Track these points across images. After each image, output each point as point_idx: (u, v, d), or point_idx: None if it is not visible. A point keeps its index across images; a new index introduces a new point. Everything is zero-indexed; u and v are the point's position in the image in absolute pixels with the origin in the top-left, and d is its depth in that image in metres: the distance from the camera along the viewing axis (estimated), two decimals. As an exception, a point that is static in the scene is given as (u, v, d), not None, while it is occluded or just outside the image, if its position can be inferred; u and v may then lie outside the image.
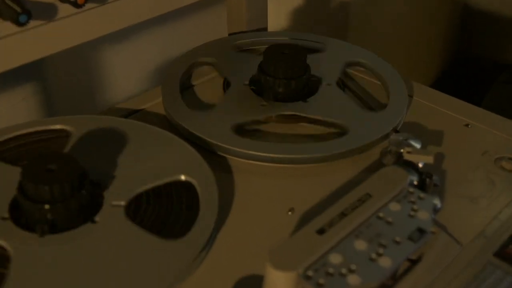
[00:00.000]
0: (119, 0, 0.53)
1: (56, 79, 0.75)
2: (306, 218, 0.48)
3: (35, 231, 0.44)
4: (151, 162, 0.51)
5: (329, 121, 0.57)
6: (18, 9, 0.45)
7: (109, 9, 0.53)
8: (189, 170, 0.50)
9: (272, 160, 0.53)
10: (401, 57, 1.28)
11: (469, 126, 0.59)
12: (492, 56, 1.44)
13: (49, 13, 0.49)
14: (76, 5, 0.48)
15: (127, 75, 0.82)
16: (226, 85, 0.62)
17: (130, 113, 0.60)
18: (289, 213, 0.48)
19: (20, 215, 0.45)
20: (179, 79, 0.61)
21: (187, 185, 0.49)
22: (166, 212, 0.47)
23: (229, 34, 0.76)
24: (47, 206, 0.43)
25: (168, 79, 0.62)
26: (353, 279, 0.39)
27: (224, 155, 0.53)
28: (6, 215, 0.45)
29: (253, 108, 0.58)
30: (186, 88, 0.63)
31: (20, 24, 0.45)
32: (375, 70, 0.65)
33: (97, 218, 0.45)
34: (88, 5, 0.50)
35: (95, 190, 0.47)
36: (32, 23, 0.47)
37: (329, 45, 0.68)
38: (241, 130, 0.56)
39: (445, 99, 0.63)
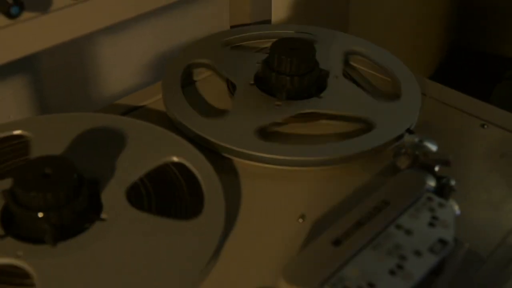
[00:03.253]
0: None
1: (48, 71, 0.72)
2: (318, 226, 0.45)
3: (43, 242, 0.41)
4: (144, 152, 0.48)
5: (352, 116, 0.55)
6: (10, 0, 0.41)
7: (108, 0, 0.49)
8: (181, 152, 0.48)
9: (279, 163, 0.50)
10: (401, 49, 1.25)
11: (485, 126, 0.56)
12: (492, 48, 1.41)
13: (42, 4, 0.45)
14: (72, -4, 0.45)
15: (123, 67, 0.78)
16: (232, 86, 0.59)
17: (129, 110, 0.56)
18: (300, 220, 0.46)
19: (16, 229, 0.42)
20: (179, 79, 0.58)
21: (181, 167, 0.47)
22: (168, 195, 0.45)
23: (231, 27, 0.73)
24: (51, 214, 0.40)
25: (168, 79, 0.58)
26: (371, 295, 0.37)
27: (248, 161, 0.50)
28: (2, 232, 0.42)
29: (269, 110, 0.55)
30: (186, 85, 0.59)
31: (11, 16, 0.42)
32: (380, 62, 0.62)
33: (103, 216, 0.43)
34: (86, -5, 0.47)
35: (93, 189, 0.44)
36: (25, 15, 0.44)
37: (321, 36, 0.64)
38: (264, 133, 0.53)
39: (458, 97, 0.60)
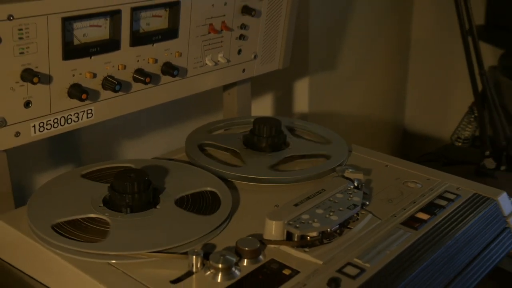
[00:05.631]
0: (167, 83, 0.86)
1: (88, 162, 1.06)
2: (286, 209, 0.77)
3: (121, 211, 0.72)
4: (189, 180, 0.80)
5: (315, 154, 0.90)
6: (115, 82, 0.76)
7: (161, 87, 0.85)
8: (212, 185, 0.80)
9: (266, 181, 0.83)
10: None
11: (387, 166, 0.91)
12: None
13: (128, 87, 0.81)
14: (144, 83, 0.80)
15: (144, 149, 1.12)
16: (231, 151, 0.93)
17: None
18: (275, 207, 0.78)
19: (109, 206, 0.74)
20: (196, 143, 0.92)
21: (212, 193, 0.78)
22: (200, 204, 0.76)
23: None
24: (129, 197, 0.72)
25: (190, 141, 0.92)
26: (315, 224, 0.69)
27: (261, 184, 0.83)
28: (101, 204, 0.73)
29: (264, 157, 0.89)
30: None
31: (115, 91, 0.77)
32: (324, 136, 0.98)
33: (158, 207, 0.74)
34: (150, 84, 0.82)
35: (156, 193, 0.76)
36: (119, 93, 0.79)
37: None
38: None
39: (374, 152, 0.95)
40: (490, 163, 1.13)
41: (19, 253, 0.72)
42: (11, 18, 0.66)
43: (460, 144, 1.26)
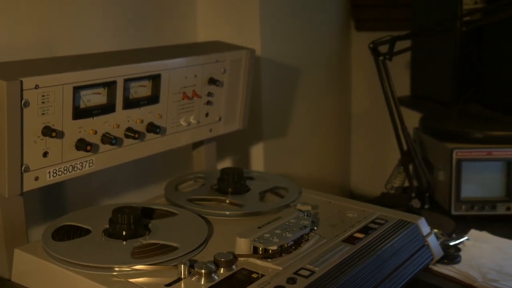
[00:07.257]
0: (151, 139, 1.06)
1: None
2: (251, 235, 0.96)
3: (118, 238, 0.90)
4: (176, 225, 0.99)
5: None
6: (112, 137, 0.96)
7: (146, 143, 1.05)
8: (192, 218, 0.99)
9: (233, 216, 1.03)
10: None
11: (331, 202, 1.12)
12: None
13: (121, 142, 1.00)
14: (134, 138, 1.00)
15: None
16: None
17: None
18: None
19: (109, 234, 0.91)
20: (174, 188, 1.12)
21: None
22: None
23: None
24: (123, 226, 0.90)
25: (168, 188, 1.12)
26: (275, 240, 0.88)
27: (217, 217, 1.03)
28: (102, 234, 0.91)
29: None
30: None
31: (112, 144, 0.96)
32: (286, 186, 1.19)
33: (148, 235, 0.92)
34: (138, 140, 1.02)
35: (145, 230, 0.94)
36: (114, 146, 0.98)
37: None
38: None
39: (319, 193, 1.16)
40: (416, 203, 1.36)
41: (36, 276, 0.88)
42: (37, 87, 0.86)
43: (393, 191, 1.49)
